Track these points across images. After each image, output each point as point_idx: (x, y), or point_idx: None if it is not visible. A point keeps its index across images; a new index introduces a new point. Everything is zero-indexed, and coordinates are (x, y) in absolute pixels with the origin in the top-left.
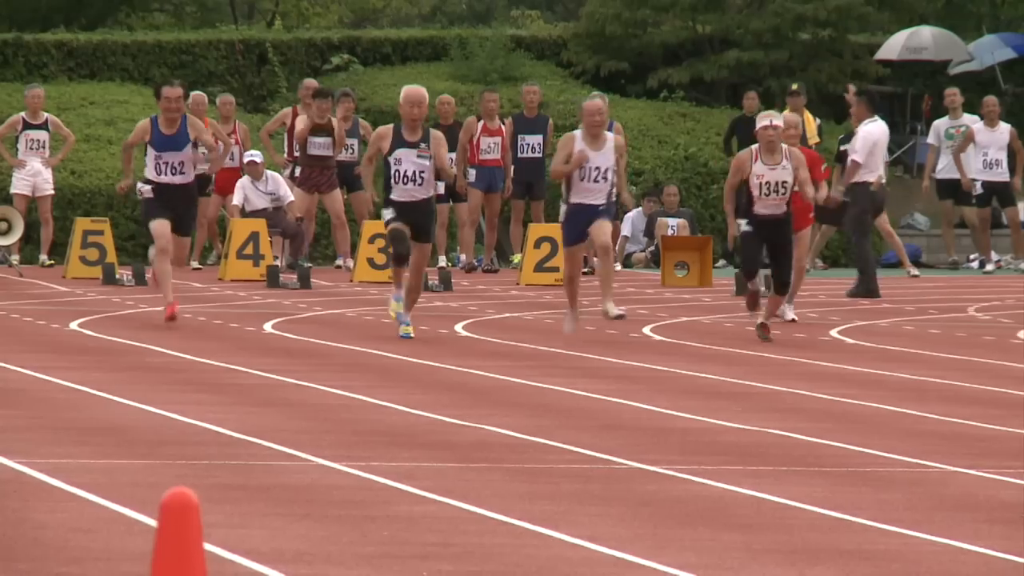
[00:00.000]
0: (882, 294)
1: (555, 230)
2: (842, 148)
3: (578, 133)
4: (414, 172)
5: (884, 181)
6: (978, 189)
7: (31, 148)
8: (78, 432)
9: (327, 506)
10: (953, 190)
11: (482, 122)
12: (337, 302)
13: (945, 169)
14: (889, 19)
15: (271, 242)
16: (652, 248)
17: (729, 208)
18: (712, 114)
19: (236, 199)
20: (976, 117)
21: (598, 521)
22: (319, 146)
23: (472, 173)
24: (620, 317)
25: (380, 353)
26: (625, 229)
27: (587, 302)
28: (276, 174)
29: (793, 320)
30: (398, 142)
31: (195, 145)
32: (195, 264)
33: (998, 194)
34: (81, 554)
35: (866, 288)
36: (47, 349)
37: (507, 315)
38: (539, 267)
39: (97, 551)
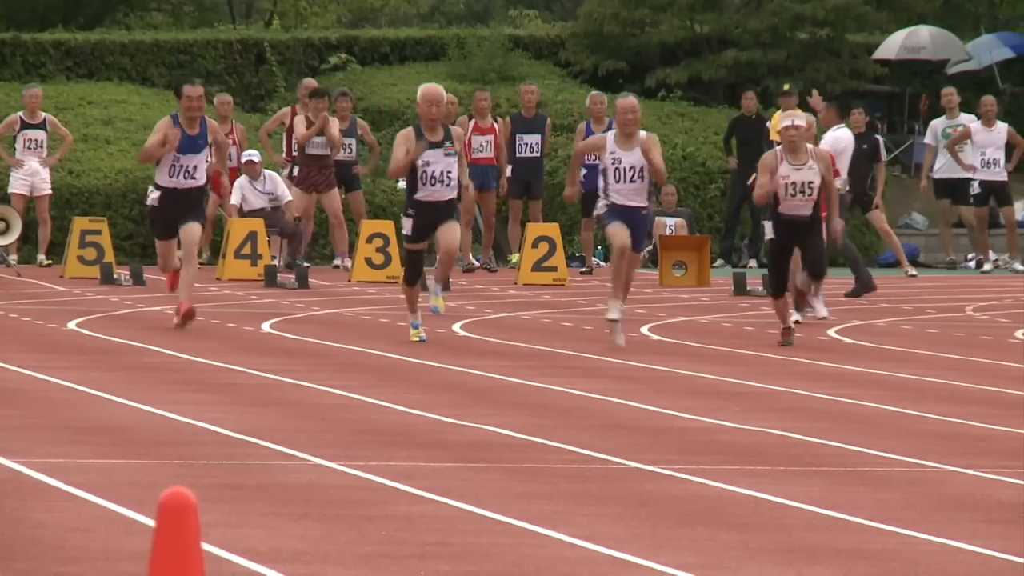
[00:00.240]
0: (881, 294)
1: (553, 229)
2: None
3: (610, 134)
4: (442, 172)
5: (847, 188)
6: (976, 188)
7: (29, 148)
8: (76, 432)
9: (325, 506)
10: (951, 190)
11: (473, 121)
12: (335, 302)
13: (943, 169)
14: (887, 19)
15: (269, 242)
16: (650, 248)
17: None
18: (710, 114)
19: (234, 199)
20: (974, 116)
21: (596, 521)
22: (317, 146)
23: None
24: (615, 321)
25: (378, 353)
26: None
27: (584, 301)
28: (274, 174)
29: (825, 317)
30: (422, 144)
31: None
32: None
33: (996, 193)
34: (79, 553)
35: (862, 284)
36: (45, 349)
37: (505, 315)
38: (537, 267)
39: (95, 551)
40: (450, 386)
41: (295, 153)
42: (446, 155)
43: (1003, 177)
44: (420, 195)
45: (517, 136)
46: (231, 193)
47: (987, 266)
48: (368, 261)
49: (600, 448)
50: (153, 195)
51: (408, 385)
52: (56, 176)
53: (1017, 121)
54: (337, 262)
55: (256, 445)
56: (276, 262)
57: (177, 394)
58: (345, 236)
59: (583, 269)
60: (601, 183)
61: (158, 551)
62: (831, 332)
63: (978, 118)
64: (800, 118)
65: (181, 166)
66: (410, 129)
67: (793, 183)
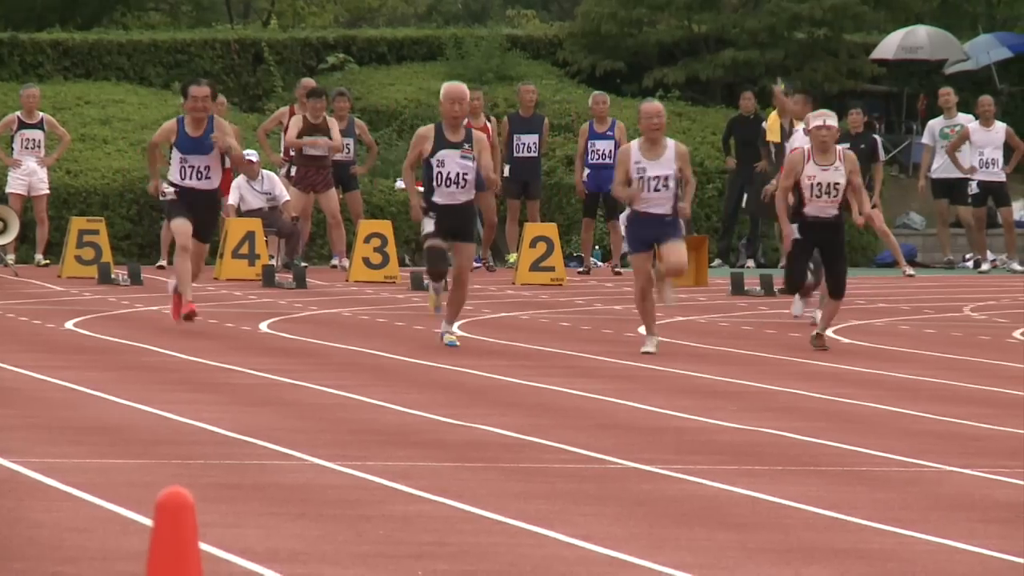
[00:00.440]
0: (878, 294)
1: (551, 229)
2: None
3: (634, 144)
4: (457, 174)
5: None
6: (974, 189)
7: (26, 147)
8: (73, 431)
9: (322, 505)
10: (948, 189)
11: (466, 121)
12: (333, 302)
13: (940, 168)
14: (885, 18)
15: (267, 242)
16: None
17: (782, 213)
18: (708, 113)
19: (232, 199)
20: (971, 116)
21: (593, 520)
22: (315, 146)
23: None
24: (649, 353)
25: (375, 353)
26: (620, 228)
27: (581, 301)
28: (272, 174)
29: (797, 317)
30: (440, 143)
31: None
32: None
33: (994, 193)
34: (76, 553)
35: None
36: (42, 348)
37: (503, 314)
38: (535, 266)
39: (92, 550)
40: (447, 386)
41: (292, 153)
42: (462, 157)
43: (1001, 177)
44: (437, 197)
45: (515, 136)
46: (229, 193)
47: (985, 266)
48: (366, 261)
49: (597, 448)
50: (169, 190)
51: (405, 385)
52: (54, 176)
53: (1015, 121)
54: (335, 262)
55: (253, 445)
56: (274, 262)
57: (174, 394)
58: (343, 236)
59: (580, 269)
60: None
61: (156, 551)
62: (829, 332)
63: (976, 118)
64: (832, 118)
65: (191, 167)
66: (430, 127)
67: (819, 183)
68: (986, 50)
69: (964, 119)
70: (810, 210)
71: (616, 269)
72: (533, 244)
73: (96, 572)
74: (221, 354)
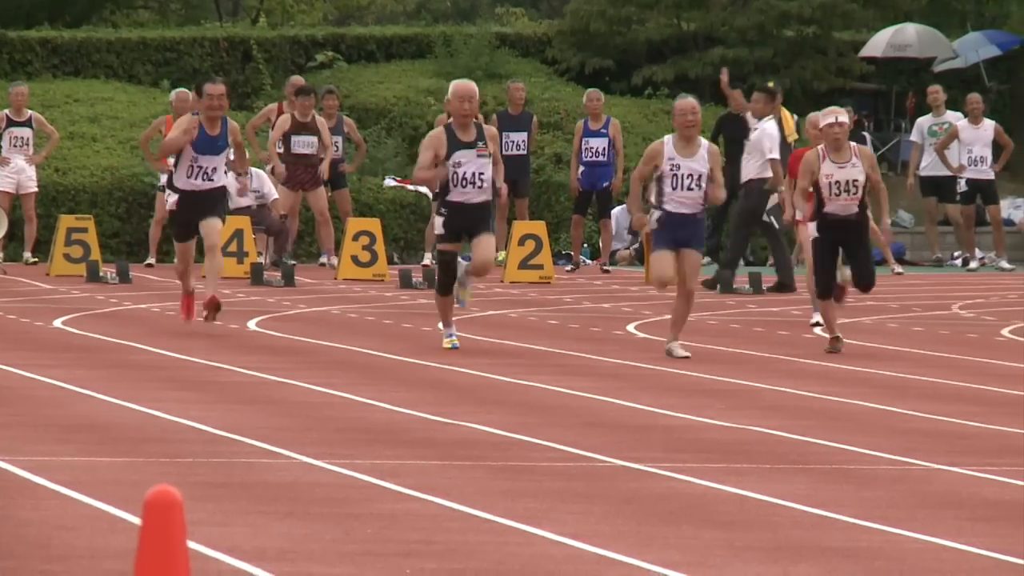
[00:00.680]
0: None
1: (539, 227)
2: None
3: (668, 139)
4: (474, 174)
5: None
6: (962, 186)
7: (15, 145)
8: (61, 430)
9: (310, 504)
10: (937, 187)
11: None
12: (321, 300)
13: (929, 166)
14: (874, 16)
15: (255, 239)
16: (636, 246)
17: (801, 213)
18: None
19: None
20: (960, 114)
21: (581, 519)
22: (303, 144)
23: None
24: (682, 357)
25: (363, 351)
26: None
27: (570, 299)
28: (260, 171)
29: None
30: (454, 145)
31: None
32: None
33: (982, 191)
34: (64, 552)
35: (725, 281)
36: (31, 346)
37: (491, 312)
38: (523, 264)
39: (80, 549)
40: (435, 384)
41: (280, 151)
42: (478, 156)
43: (989, 175)
44: (451, 197)
45: (504, 134)
46: None
47: (973, 264)
48: (354, 259)
49: (585, 446)
50: (171, 199)
51: (393, 383)
52: (42, 174)
53: (1003, 119)
54: (323, 260)
55: (241, 443)
56: (262, 260)
57: (163, 392)
58: (331, 234)
59: (568, 267)
60: (654, 192)
61: (144, 549)
62: (817, 330)
63: (964, 116)
64: (843, 114)
65: (200, 167)
66: (440, 130)
67: (837, 182)
68: (975, 48)
69: (953, 117)
70: (831, 209)
71: (605, 267)
72: (522, 242)
73: (84, 570)
74: (209, 352)
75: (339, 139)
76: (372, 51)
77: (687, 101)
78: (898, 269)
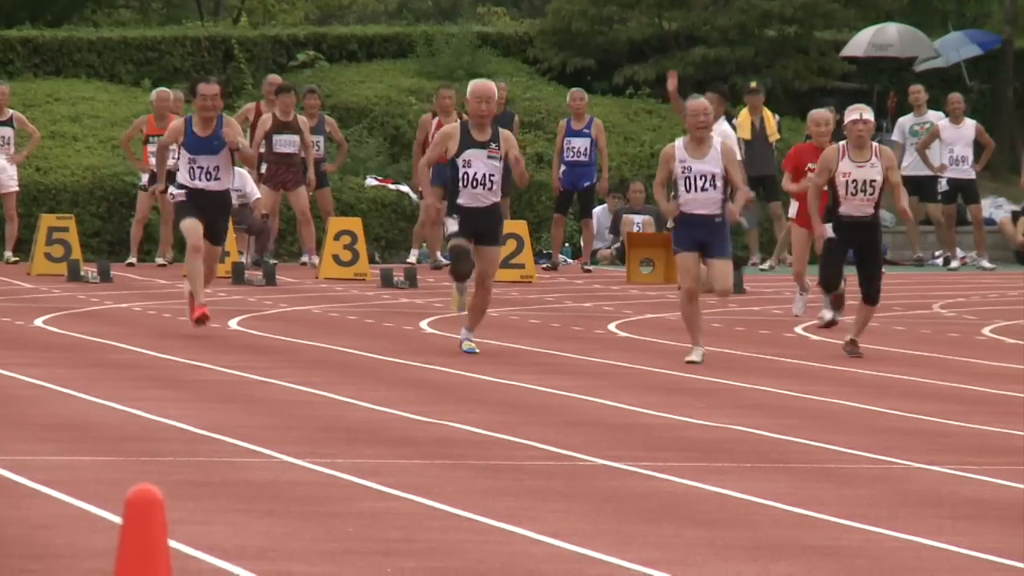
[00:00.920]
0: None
1: (521, 226)
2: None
3: (679, 142)
4: (484, 175)
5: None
6: (943, 186)
7: None
8: (42, 428)
9: (290, 502)
10: (918, 187)
11: (437, 119)
12: (302, 299)
13: (910, 166)
14: (855, 16)
15: (237, 239)
16: (617, 245)
17: (814, 211)
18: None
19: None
20: (941, 114)
21: (561, 517)
22: (285, 143)
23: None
24: (694, 363)
25: (345, 350)
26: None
27: (551, 298)
28: (242, 170)
29: (834, 321)
30: (466, 142)
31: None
32: (160, 261)
33: (963, 191)
34: (45, 551)
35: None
36: (11, 345)
37: None
38: (505, 263)
39: (60, 548)
40: (416, 383)
41: (262, 150)
42: (489, 157)
43: (971, 175)
44: (462, 200)
45: None
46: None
47: (954, 263)
48: (336, 258)
49: (566, 445)
50: (179, 193)
51: (374, 382)
52: (23, 173)
53: (984, 118)
54: (304, 259)
55: (222, 442)
56: (244, 259)
57: (143, 391)
58: (312, 233)
59: (546, 265)
60: (671, 194)
61: (125, 548)
62: (798, 329)
63: (946, 115)
64: (868, 112)
65: (200, 168)
66: (455, 125)
67: (854, 181)
68: (956, 47)
69: (934, 116)
70: (845, 209)
71: (586, 267)
72: (503, 241)
73: (65, 569)
74: (190, 351)
75: (320, 138)
76: (354, 50)
77: (699, 102)
78: None
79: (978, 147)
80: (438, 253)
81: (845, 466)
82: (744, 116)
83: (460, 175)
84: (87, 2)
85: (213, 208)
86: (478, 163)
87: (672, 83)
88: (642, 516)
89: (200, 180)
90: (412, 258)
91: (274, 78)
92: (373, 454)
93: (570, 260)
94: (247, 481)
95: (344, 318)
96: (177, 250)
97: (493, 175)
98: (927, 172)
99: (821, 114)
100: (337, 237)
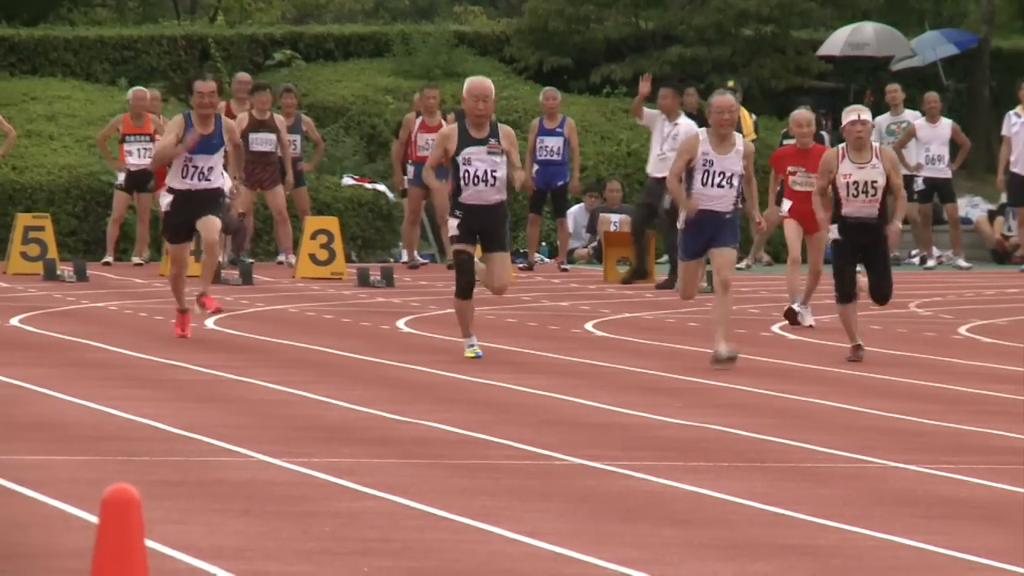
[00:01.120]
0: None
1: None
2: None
3: (703, 133)
4: (485, 172)
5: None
6: (920, 185)
7: None
8: (17, 428)
9: (267, 502)
10: None
11: (420, 118)
12: (279, 298)
13: None
14: (832, 15)
15: None
16: (594, 244)
17: (822, 214)
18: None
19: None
20: (918, 113)
21: (538, 517)
22: (261, 142)
23: (410, 170)
24: (732, 359)
25: (321, 349)
26: (567, 225)
27: (528, 298)
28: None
29: (811, 326)
30: (465, 140)
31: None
32: (136, 260)
33: (939, 190)
34: (20, 550)
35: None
36: None
37: (449, 311)
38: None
39: (37, 547)
40: (392, 382)
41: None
42: (489, 153)
43: (947, 174)
44: (465, 198)
45: None
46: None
47: (931, 262)
48: (312, 257)
49: (542, 444)
50: (165, 200)
51: (350, 381)
52: None
53: (960, 118)
54: (281, 258)
55: (198, 441)
56: (220, 258)
57: (119, 390)
58: (289, 232)
59: (522, 264)
60: (684, 186)
61: (101, 548)
62: (775, 328)
63: (922, 114)
64: (866, 112)
65: (195, 167)
66: (453, 127)
67: (855, 182)
68: (932, 47)
69: (911, 116)
70: (849, 210)
71: (562, 266)
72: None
73: (41, 569)
74: (166, 350)
75: (297, 138)
76: (330, 49)
77: (724, 99)
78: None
79: (954, 146)
80: (415, 252)
81: (821, 465)
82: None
83: (461, 173)
84: (63, 1)
85: (202, 205)
86: (478, 160)
87: (646, 87)
88: (619, 515)
89: (192, 180)
90: (405, 258)
91: (244, 76)
92: (349, 453)
93: (547, 259)
94: (223, 480)
95: (320, 317)
96: (154, 249)
97: (495, 171)
98: (904, 171)
99: (803, 114)
100: (314, 236)
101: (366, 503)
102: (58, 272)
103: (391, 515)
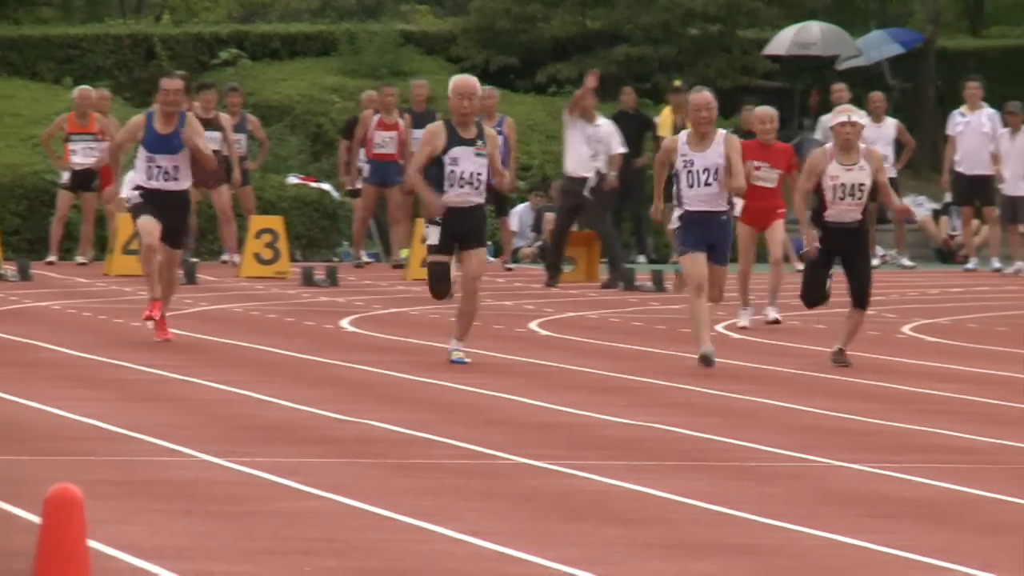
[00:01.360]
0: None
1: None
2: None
3: (682, 135)
4: (471, 173)
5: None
6: None
7: None
8: None
9: (209, 502)
10: None
11: (378, 116)
12: (223, 297)
13: None
14: (778, 14)
15: None
16: (539, 243)
17: (803, 216)
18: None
19: (125, 192)
20: (863, 112)
21: (481, 516)
22: (208, 141)
23: (366, 168)
24: (712, 360)
25: (264, 348)
26: (513, 224)
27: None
28: None
29: (777, 320)
30: (453, 139)
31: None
32: (80, 259)
33: None
34: None
35: (618, 275)
36: None
37: (393, 310)
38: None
39: None
40: (335, 381)
41: None
42: (476, 155)
43: (892, 173)
44: (447, 198)
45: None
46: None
47: (875, 261)
48: (257, 257)
49: (486, 443)
50: (132, 194)
51: (293, 381)
52: None
53: (905, 117)
54: (225, 257)
55: (141, 441)
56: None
57: (63, 390)
58: (234, 232)
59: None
60: (675, 191)
61: (44, 548)
62: (719, 327)
63: (868, 114)
64: (856, 114)
65: (158, 167)
66: (440, 124)
67: (842, 184)
68: (878, 46)
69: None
70: (832, 215)
71: (507, 265)
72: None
73: None
74: (110, 350)
75: (243, 136)
76: (276, 48)
77: (702, 96)
78: (798, 266)
79: (899, 146)
80: (362, 252)
81: (765, 464)
82: (666, 115)
83: (447, 172)
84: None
85: (171, 209)
86: (466, 161)
87: (593, 82)
88: (562, 515)
89: (157, 180)
90: (366, 258)
91: (180, 76)
92: (292, 453)
93: (491, 258)
94: (166, 480)
95: (264, 316)
96: (97, 248)
97: (480, 173)
98: None
99: (766, 111)
100: (258, 235)
101: (309, 503)
102: (1, 272)
103: (334, 515)
